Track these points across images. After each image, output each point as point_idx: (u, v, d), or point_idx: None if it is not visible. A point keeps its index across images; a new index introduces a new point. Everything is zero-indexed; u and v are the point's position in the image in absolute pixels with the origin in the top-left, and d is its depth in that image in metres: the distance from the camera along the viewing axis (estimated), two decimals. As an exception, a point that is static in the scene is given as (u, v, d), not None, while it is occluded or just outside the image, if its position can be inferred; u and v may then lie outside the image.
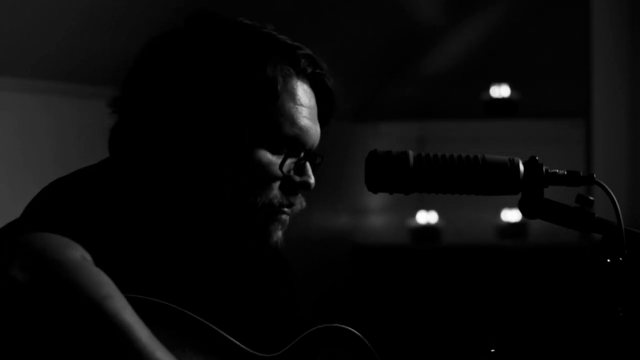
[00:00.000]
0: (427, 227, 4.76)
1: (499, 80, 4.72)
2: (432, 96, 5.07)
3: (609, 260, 1.32)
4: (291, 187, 1.49)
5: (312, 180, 1.51)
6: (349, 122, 4.80)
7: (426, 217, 4.76)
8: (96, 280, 1.21)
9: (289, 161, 1.49)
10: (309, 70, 1.51)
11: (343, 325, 1.53)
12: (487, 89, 4.72)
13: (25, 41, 3.20)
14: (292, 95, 1.49)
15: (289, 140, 1.48)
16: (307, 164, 1.51)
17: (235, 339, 1.40)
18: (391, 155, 1.39)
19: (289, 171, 1.49)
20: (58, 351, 1.18)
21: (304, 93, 1.50)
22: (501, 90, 4.70)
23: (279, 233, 1.50)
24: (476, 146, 4.73)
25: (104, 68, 3.48)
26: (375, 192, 1.41)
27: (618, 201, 1.34)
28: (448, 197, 1.44)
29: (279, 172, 1.48)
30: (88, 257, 1.26)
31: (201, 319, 1.36)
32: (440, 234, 4.77)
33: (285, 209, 1.49)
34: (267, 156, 1.47)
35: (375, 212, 4.97)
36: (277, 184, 1.48)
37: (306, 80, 1.51)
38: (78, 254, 1.24)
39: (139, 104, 1.47)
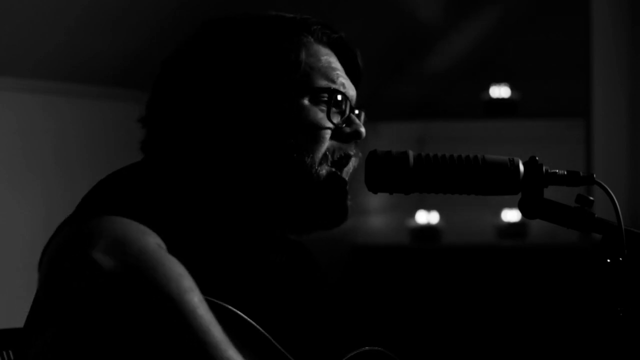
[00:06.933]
0: (427, 227, 4.76)
1: (499, 80, 4.72)
2: (432, 96, 5.07)
3: (609, 260, 1.32)
4: (343, 138, 1.50)
5: (362, 129, 1.52)
6: (349, 122, 4.79)
7: (426, 217, 4.76)
8: (177, 271, 1.17)
9: (334, 110, 1.50)
10: (325, 37, 1.53)
11: (386, 351, 1.52)
12: (487, 89, 4.72)
13: (25, 41, 3.20)
14: (317, 59, 1.51)
15: (329, 92, 1.49)
16: (353, 115, 1.53)
17: (286, 351, 1.36)
18: (391, 155, 1.39)
19: (338, 123, 1.50)
20: (130, 342, 1.14)
21: (328, 56, 1.53)
22: (501, 90, 4.70)
23: (348, 198, 1.49)
24: (476, 146, 4.73)
25: (104, 68, 3.48)
26: (375, 192, 1.41)
27: (618, 201, 1.34)
28: (448, 197, 1.44)
29: (328, 124, 1.48)
30: (163, 245, 1.22)
31: (258, 326, 1.32)
32: (440, 234, 4.77)
33: (344, 160, 1.50)
34: (315, 111, 1.48)
35: (375, 212, 4.96)
36: (328, 137, 1.48)
37: (326, 46, 1.54)
38: (155, 242, 1.20)
39: (181, 98, 1.47)
